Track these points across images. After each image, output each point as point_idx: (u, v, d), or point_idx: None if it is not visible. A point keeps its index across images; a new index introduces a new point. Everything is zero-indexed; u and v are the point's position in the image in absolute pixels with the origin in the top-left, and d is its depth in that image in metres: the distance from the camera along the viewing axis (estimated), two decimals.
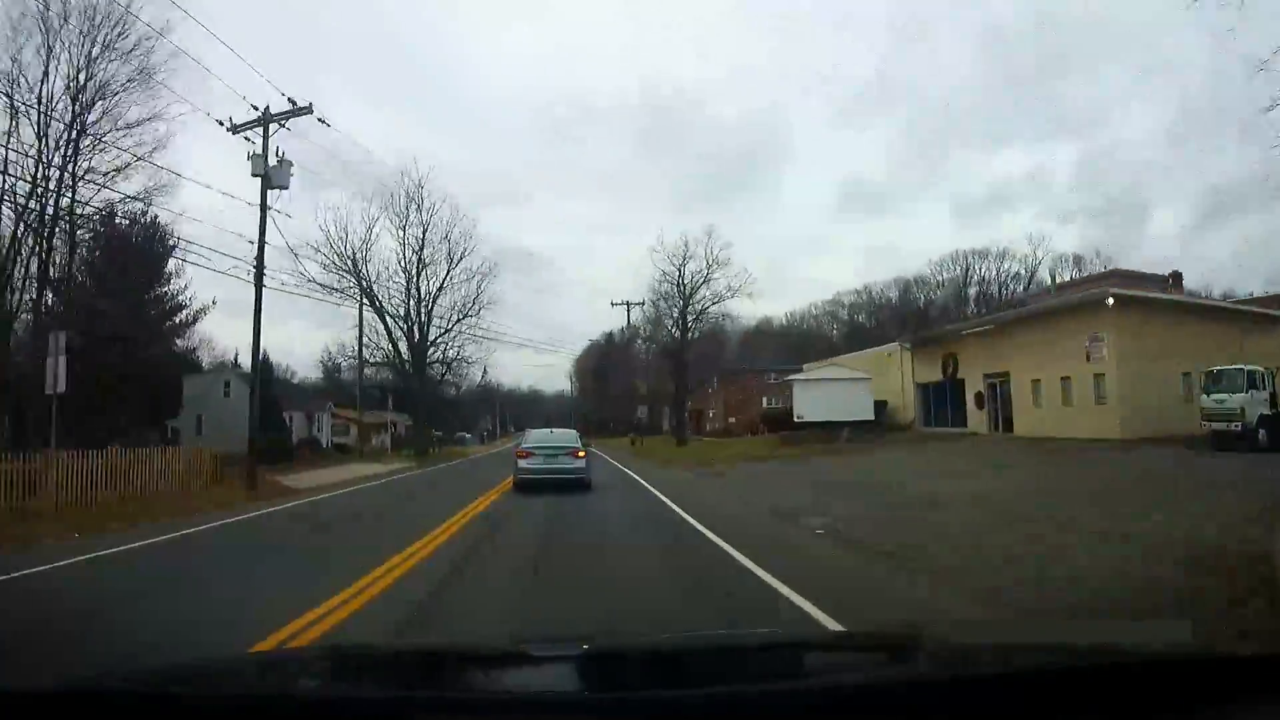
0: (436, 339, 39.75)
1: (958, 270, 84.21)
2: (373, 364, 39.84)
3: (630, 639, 3.19)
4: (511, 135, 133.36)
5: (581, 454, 17.79)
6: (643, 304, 48.24)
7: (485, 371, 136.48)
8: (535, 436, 19.82)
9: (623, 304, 48.46)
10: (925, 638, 2.50)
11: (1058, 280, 38.33)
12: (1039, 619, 5.44)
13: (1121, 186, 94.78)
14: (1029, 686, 1.52)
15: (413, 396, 40.17)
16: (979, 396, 32.13)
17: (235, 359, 52.68)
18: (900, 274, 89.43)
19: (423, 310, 39.34)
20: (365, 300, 38.39)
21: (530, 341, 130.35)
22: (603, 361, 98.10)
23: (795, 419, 32.89)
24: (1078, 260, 75.97)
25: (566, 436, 19.53)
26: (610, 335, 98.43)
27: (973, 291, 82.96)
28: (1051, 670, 1.64)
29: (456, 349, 40.35)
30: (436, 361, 40.41)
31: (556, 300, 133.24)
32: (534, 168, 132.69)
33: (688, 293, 44.60)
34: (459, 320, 39.84)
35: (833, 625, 5.21)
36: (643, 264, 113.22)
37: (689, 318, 44.74)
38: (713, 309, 44.21)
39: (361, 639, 4.82)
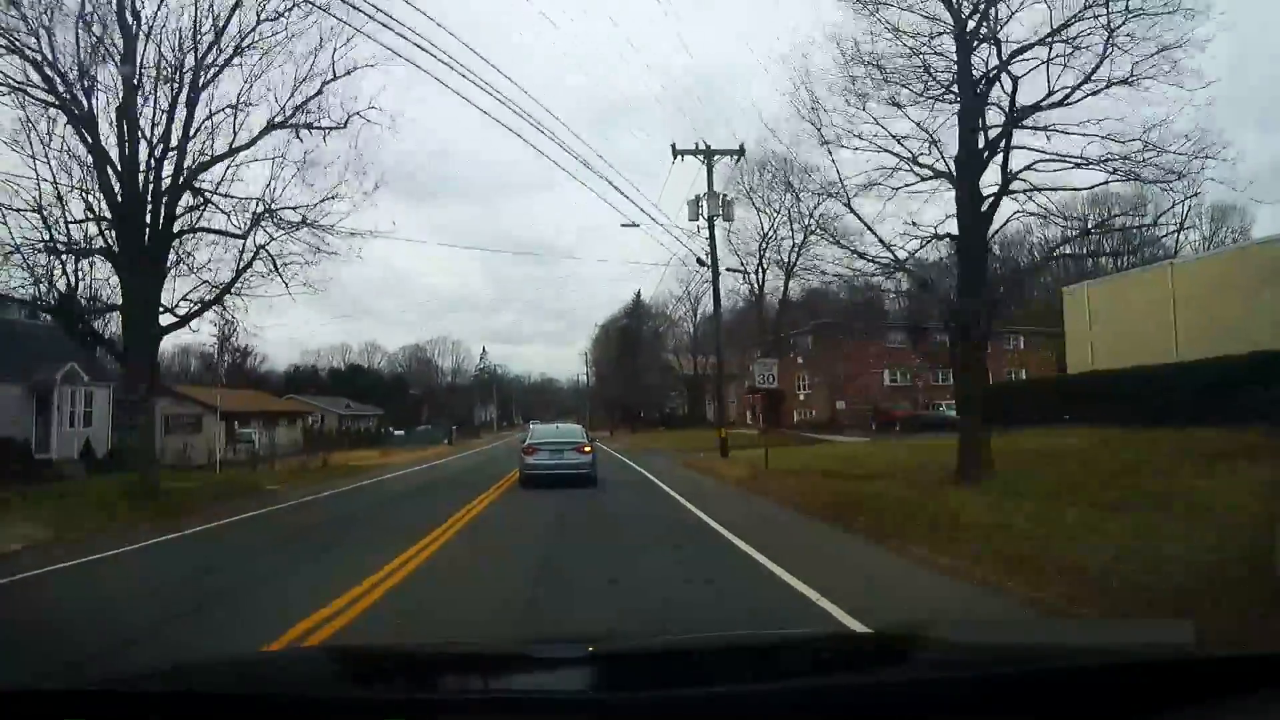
0: (200, 168, 14.51)
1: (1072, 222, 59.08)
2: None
3: (636, 640, 3.04)
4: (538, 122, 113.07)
5: (588, 449, 16.67)
6: (738, 155, 22.76)
7: (484, 353, 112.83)
8: (540, 432, 18.44)
9: (696, 152, 22.72)
10: (927, 638, 2.31)
11: None
12: (1040, 620, 5.11)
13: None
14: (1030, 687, 1.51)
15: (129, 304, 14.19)
16: None
17: None
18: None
19: (171, 97, 14.23)
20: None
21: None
22: (630, 330, 73.40)
23: None
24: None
25: (572, 432, 18.58)
26: (638, 298, 74.24)
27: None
28: (1052, 671, 1.63)
29: (265, 202, 14.89)
30: (200, 229, 14.98)
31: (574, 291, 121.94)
32: (557, 157, 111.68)
33: None
34: (276, 127, 14.74)
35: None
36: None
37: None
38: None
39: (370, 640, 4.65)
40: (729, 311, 74.04)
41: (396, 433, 50.78)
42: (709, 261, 23.46)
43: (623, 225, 23.74)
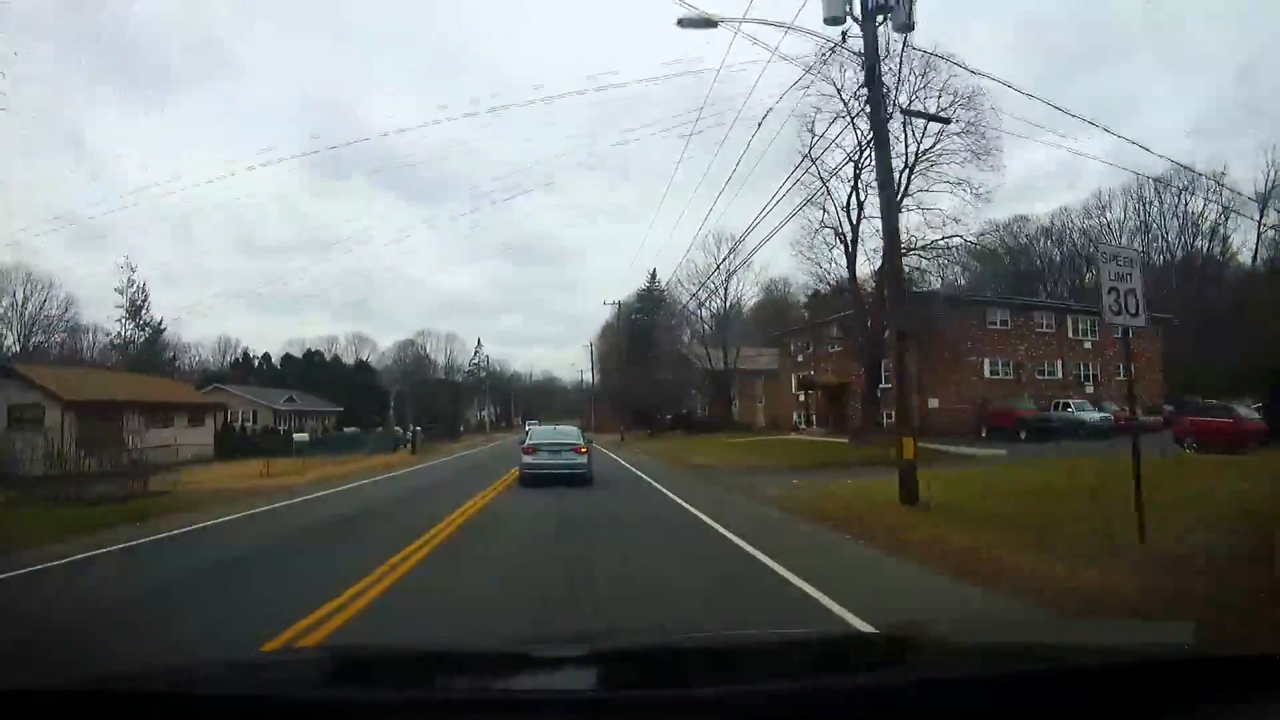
0: None
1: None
2: None
3: (637, 639, 2.94)
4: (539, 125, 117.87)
5: (584, 450, 17.18)
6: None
7: (479, 345, 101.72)
8: (539, 433, 19.02)
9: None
10: (926, 638, 2.36)
11: None
12: (1040, 620, 5.11)
13: None
14: (1030, 687, 1.48)
15: None
16: None
17: None
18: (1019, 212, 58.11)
19: None
20: None
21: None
22: (642, 318, 62.73)
23: None
24: None
25: (569, 433, 19.08)
26: (653, 278, 63.48)
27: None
28: (1053, 671, 1.60)
29: None
30: None
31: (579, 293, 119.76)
32: (560, 158, 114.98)
33: None
34: None
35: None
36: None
37: None
38: None
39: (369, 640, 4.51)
40: (744, 303, 63.51)
41: (298, 436, 36.19)
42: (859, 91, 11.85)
43: (680, 23, 12.27)
